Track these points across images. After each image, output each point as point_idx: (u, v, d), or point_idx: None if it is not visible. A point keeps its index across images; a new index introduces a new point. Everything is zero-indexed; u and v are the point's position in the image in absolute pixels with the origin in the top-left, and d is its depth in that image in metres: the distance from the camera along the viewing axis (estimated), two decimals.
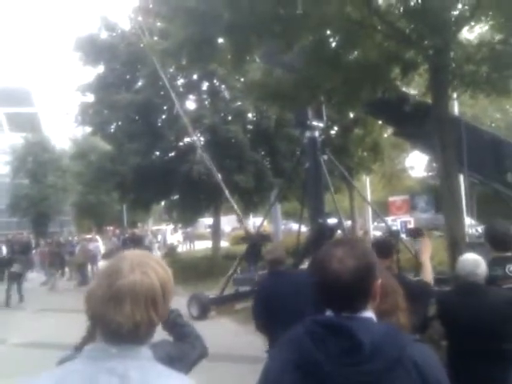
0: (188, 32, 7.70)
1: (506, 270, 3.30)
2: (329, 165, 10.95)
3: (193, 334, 2.04)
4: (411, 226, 16.91)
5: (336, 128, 17.74)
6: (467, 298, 2.93)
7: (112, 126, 16.89)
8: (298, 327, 1.46)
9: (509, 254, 3.49)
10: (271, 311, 3.99)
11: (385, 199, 29.39)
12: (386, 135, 18.31)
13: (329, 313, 1.46)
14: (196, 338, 2.03)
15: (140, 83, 16.78)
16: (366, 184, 23.00)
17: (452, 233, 5.87)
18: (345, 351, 1.32)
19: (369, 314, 1.43)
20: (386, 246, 3.43)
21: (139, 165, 14.60)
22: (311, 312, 4.34)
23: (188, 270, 15.32)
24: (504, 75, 6.50)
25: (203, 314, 9.53)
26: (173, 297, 1.30)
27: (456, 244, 5.53)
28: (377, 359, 1.29)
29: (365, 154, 19.05)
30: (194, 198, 15.66)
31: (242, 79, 13.10)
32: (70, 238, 21.94)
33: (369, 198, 21.48)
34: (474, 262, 3.00)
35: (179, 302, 9.88)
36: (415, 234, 8.66)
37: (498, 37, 6.80)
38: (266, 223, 28.94)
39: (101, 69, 16.69)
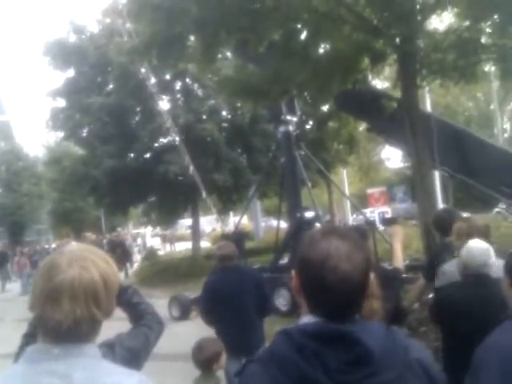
0: (155, 29, 7.60)
1: (455, 256, 3.31)
2: (305, 159, 10.96)
3: (148, 311, 1.99)
4: (388, 216, 17.08)
5: (311, 122, 17.79)
6: (477, 290, 2.66)
7: (84, 130, 16.67)
8: (279, 341, 1.19)
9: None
10: (217, 306, 4.06)
11: (363, 191, 29.68)
12: (361, 128, 18.44)
13: (309, 319, 1.21)
14: (152, 316, 1.98)
15: (111, 86, 16.57)
16: (344, 177, 23.17)
17: (425, 220, 5.92)
18: (350, 363, 1.11)
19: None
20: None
21: (114, 168, 14.39)
22: (255, 308, 4.29)
23: (168, 271, 15.22)
24: (471, 62, 6.58)
25: (184, 314, 9.44)
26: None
27: (429, 231, 5.57)
28: (388, 367, 1.13)
29: (341, 147, 19.14)
30: (172, 199, 15.52)
31: (214, 77, 13.01)
32: (47, 246, 21.51)
33: (347, 190, 21.66)
34: (486, 251, 2.70)
35: (159, 304, 9.78)
36: (389, 222, 8.77)
37: (464, 24, 6.87)
38: (246, 221, 28.90)
39: (71, 73, 16.51)
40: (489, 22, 6.21)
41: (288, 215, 10.59)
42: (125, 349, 1.59)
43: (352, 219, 23.97)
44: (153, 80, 14.12)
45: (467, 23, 6.72)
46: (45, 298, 1.13)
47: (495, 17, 5.99)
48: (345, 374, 1.10)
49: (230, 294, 4.01)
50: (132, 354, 1.62)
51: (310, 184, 10.63)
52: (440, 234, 3.86)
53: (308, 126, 17.78)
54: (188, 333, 6.86)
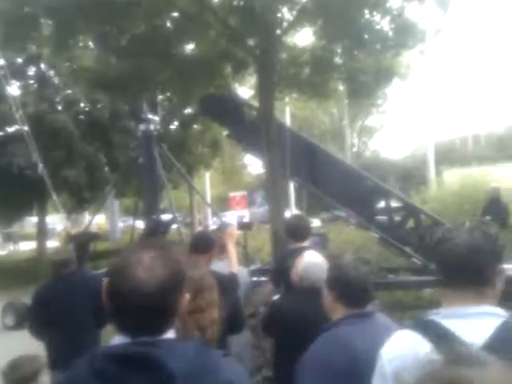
0: (2, 6, 6.84)
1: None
2: (167, 160, 10.75)
3: None
4: (246, 220, 17.63)
5: (176, 122, 17.57)
6: (310, 304, 2.58)
7: None
8: (80, 364, 1.12)
9: (304, 244, 3.74)
10: (45, 318, 3.75)
11: (225, 194, 30.23)
12: (224, 133, 18.73)
13: (120, 339, 1.15)
14: None
15: None
16: (206, 179, 23.37)
17: (274, 226, 6.16)
18: None
19: (171, 334, 1.19)
20: (205, 241, 3.33)
21: None
22: (92, 318, 4.07)
23: (7, 273, 13.79)
24: (323, 78, 7.06)
25: (20, 323, 8.50)
26: None
27: (277, 236, 5.81)
28: None
29: (205, 150, 19.25)
30: (15, 194, 14.00)
31: (73, 65, 12.11)
32: None
33: (209, 193, 21.83)
34: (322, 266, 2.70)
35: None
36: (244, 226, 9.04)
37: (321, 43, 7.34)
38: (103, 221, 27.39)
39: None
40: (340, 45, 6.70)
41: (144, 217, 10.28)
42: None
43: (213, 222, 24.27)
44: (1, 61, 12.67)
45: (323, 43, 7.19)
46: None
47: (345, 41, 6.48)
48: None
49: (59, 305, 3.68)
50: None
51: (169, 185, 10.43)
52: (289, 240, 4.01)
53: (173, 127, 17.53)
54: (21, 344, 6.20)
